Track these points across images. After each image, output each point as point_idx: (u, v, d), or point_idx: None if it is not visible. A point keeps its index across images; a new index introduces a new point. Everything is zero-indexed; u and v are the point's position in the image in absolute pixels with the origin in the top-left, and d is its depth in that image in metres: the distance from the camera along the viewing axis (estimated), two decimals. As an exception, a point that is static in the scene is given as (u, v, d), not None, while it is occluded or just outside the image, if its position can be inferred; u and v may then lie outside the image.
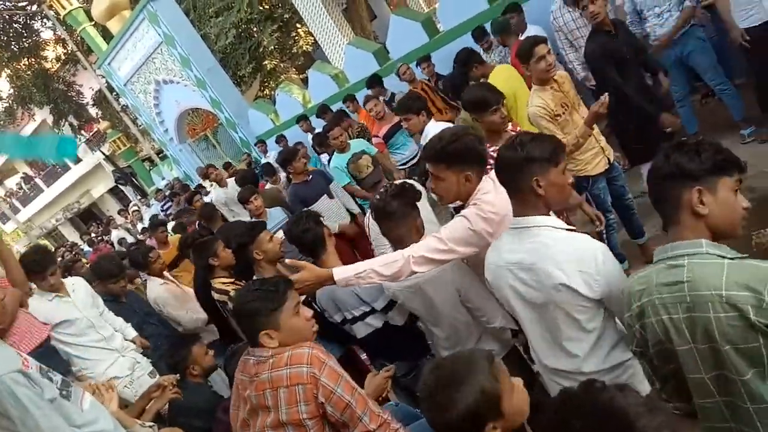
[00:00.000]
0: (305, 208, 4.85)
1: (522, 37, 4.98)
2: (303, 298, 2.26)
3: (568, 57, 5.18)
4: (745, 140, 4.31)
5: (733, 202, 1.44)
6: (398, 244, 2.30)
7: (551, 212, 1.87)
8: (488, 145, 2.55)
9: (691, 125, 4.60)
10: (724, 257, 1.39)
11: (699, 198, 1.42)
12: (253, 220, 4.80)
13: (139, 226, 12.04)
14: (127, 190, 19.61)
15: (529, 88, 3.42)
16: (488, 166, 2.20)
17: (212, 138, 13.79)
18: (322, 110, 7.93)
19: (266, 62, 15.17)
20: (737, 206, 1.45)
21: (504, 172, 1.84)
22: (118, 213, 16.56)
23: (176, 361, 3.16)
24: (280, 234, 4.76)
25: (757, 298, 1.29)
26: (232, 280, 3.55)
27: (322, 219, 2.75)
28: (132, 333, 3.92)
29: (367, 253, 5.03)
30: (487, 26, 5.98)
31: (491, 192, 2.14)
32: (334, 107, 8.02)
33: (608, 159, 3.40)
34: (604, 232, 3.52)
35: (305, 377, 1.86)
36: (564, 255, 1.73)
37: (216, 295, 3.50)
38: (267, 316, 1.93)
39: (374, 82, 7.14)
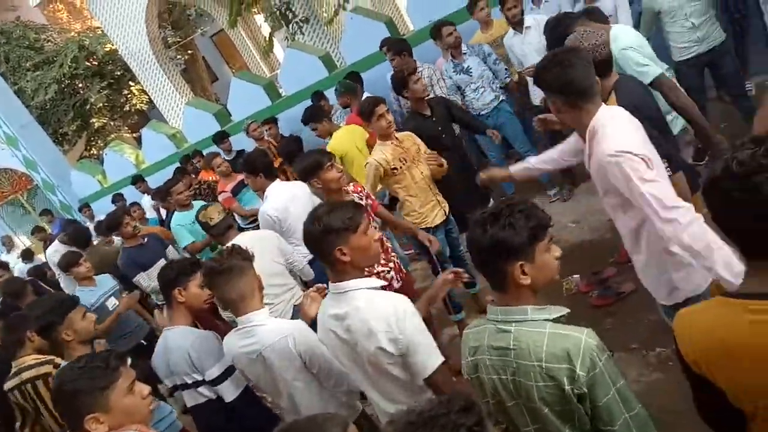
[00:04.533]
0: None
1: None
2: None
3: None
4: (552, 199, 4.98)
5: (550, 261, 1.51)
6: (240, 303, 2.22)
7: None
8: None
9: (508, 186, 5.21)
10: (547, 320, 1.49)
11: (521, 271, 1.46)
12: (62, 295, 4.18)
13: None
14: None
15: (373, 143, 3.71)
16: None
17: (25, 202, 12.22)
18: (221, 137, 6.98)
19: (93, 120, 14.08)
20: (553, 263, 1.52)
21: (309, 246, 1.92)
22: None
23: None
24: (112, 301, 4.28)
25: (571, 370, 1.41)
26: (46, 358, 3.05)
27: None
28: None
29: (208, 322, 4.72)
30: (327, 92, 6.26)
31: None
32: (171, 168, 7.64)
33: (444, 211, 3.72)
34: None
35: None
36: (373, 317, 1.81)
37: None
38: (94, 397, 1.70)
39: (222, 136, 6.90)
